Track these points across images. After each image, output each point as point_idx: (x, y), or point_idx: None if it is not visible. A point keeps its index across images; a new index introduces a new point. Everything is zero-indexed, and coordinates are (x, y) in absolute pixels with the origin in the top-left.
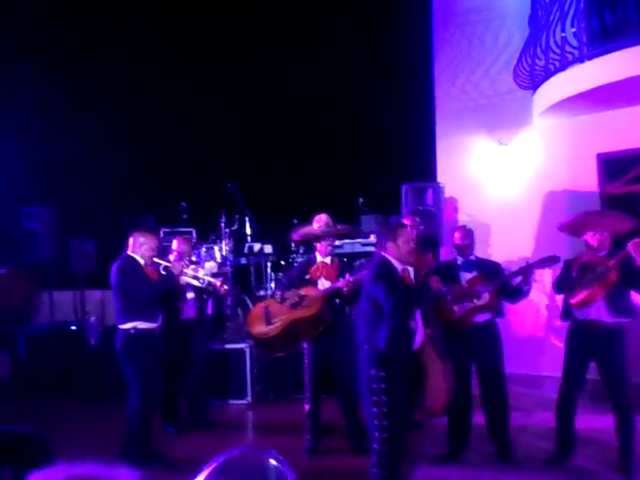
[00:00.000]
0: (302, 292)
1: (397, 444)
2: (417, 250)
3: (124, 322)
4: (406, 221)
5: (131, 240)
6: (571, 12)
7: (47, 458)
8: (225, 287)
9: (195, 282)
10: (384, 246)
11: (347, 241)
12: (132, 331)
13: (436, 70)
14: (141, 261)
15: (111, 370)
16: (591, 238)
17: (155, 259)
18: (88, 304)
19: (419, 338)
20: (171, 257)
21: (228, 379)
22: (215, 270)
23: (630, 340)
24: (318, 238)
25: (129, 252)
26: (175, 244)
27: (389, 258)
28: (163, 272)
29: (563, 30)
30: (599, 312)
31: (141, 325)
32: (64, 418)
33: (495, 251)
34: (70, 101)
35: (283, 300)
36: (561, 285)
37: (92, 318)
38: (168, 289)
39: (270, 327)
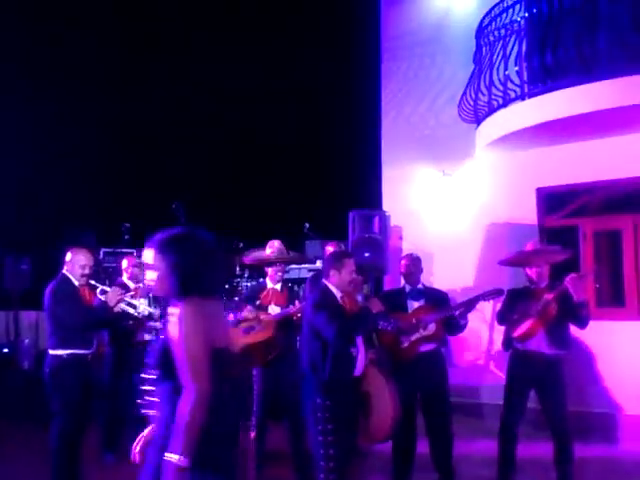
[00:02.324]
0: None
1: (343, 473)
2: (357, 279)
3: (55, 347)
4: (330, 247)
5: (68, 256)
6: (514, 51)
7: None
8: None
9: (132, 310)
10: (327, 274)
11: (294, 266)
12: (65, 356)
13: (383, 100)
14: (76, 282)
15: (44, 395)
16: (530, 271)
17: (92, 282)
18: (22, 325)
19: (361, 363)
20: (124, 276)
21: None
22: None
23: (568, 370)
24: (270, 263)
25: (64, 271)
26: (126, 263)
27: (330, 286)
28: (100, 297)
29: (506, 68)
30: (539, 344)
31: (75, 352)
32: None
33: (438, 280)
34: (7, 116)
35: (237, 324)
36: (503, 317)
37: (26, 340)
38: (103, 319)
39: None
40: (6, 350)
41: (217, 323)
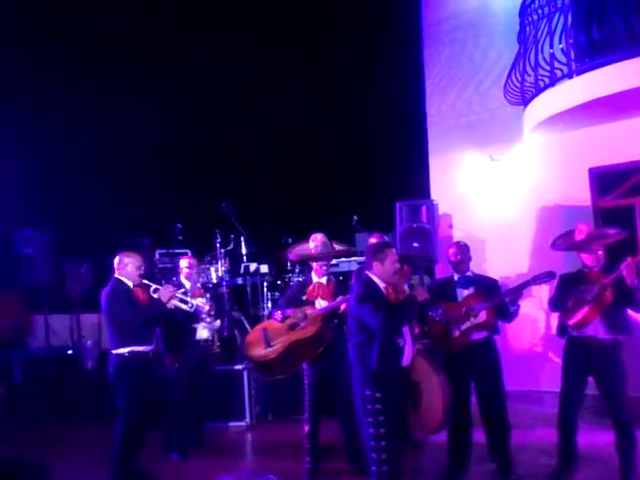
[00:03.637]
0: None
1: (395, 464)
2: (401, 269)
3: (117, 347)
4: (373, 238)
5: (116, 261)
6: (559, 29)
7: None
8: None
9: (184, 306)
10: (370, 265)
11: (343, 260)
12: (126, 354)
13: (427, 88)
14: (129, 283)
15: (108, 394)
16: (585, 257)
17: (145, 281)
18: (84, 327)
19: (408, 354)
20: (181, 276)
21: (226, 401)
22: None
23: (627, 355)
24: (314, 258)
25: (116, 275)
26: (184, 262)
27: (373, 277)
28: (154, 295)
29: (551, 46)
30: (596, 329)
31: (135, 349)
32: (62, 443)
33: (490, 267)
34: (64, 123)
35: (284, 320)
36: (556, 304)
37: (88, 341)
38: (158, 315)
39: (269, 349)
40: (70, 351)
41: None
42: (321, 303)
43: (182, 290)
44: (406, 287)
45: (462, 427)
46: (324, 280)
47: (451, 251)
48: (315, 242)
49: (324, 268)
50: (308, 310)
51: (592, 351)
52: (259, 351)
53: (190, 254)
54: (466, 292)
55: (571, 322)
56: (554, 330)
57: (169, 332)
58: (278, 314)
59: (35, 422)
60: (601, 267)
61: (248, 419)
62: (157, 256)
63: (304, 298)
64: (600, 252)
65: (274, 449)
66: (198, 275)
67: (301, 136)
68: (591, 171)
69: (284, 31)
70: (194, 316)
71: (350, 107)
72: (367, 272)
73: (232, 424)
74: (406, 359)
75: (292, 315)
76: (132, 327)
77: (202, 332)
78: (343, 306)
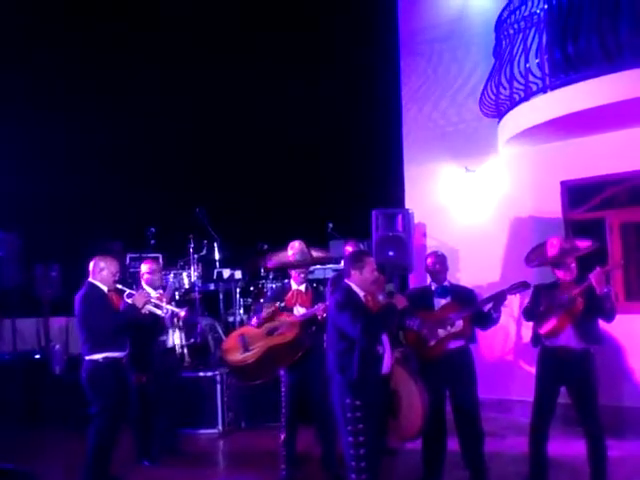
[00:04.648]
0: (278, 317)
1: (375, 472)
2: (380, 277)
3: (91, 352)
4: (349, 246)
5: (91, 265)
6: (534, 44)
7: None
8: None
9: (158, 311)
10: (349, 274)
11: (318, 267)
12: (100, 360)
13: (404, 98)
14: (104, 288)
15: (77, 398)
16: (558, 272)
17: (119, 286)
18: (52, 331)
19: (387, 362)
20: (143, 280)
21: (199, 408)
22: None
23: (599, 365)
24: (293, 266)
25: (90, 279)
26: (145, 267)
27: (352, 286)
28: (128, 300)
29: (527, 61)
30: (568, 339)
31: (109, 355)
32: (30, 449)
33: (464, 276)
34: (34, 125)
35: (260, 325)
36: (530, 313)
37: (57, 346)
38: (132, 320)
39: (247, 354)
40: (38, 356)
41: None
42: (299, 310)
43: (157, 295)
44: (380, 297)
45: (437, 435)
46: (303, 287)
47: (429, 260)
48: (293, 250)
49: (302, 276)
50: (286, 316)
51: (565, 361)
52: (237, 356)
53: (160, 259)
54: (443, 301)
55: (542, 331)
56: (525, 339)
57: (137, 339)
58: (254, 320)
59: (2, 428)
60: (573, 278)
61: (220, 426)
62: (128, 260)
63: (282, 305)
64: (572, 264)
65: (247, 457)
66: (160, 281)
67: (278, 143)
68: (563, 184)
69: (260, 42)
70: (163, 324)
71: (327, 115)
72: (346, 280)
73: (204, 431)
74: (385, 367)
75: (266, 311)
76: (107, 332)
77: (171, 340)
78: (320, 313)
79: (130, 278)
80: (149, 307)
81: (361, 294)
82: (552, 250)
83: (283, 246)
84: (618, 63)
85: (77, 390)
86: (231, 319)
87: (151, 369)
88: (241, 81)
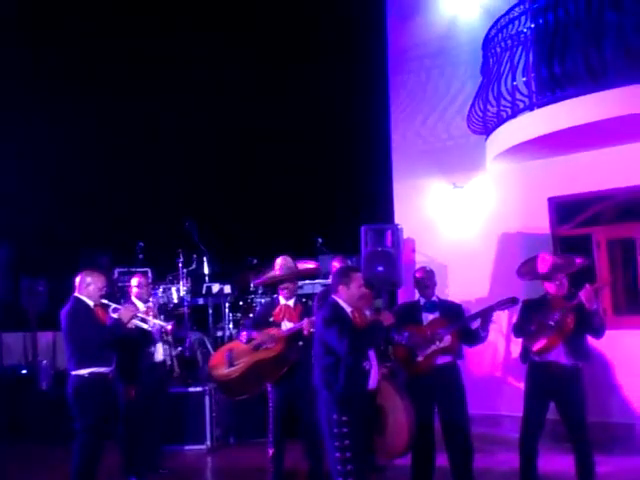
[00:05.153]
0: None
1: None
2: (367, 293)
3: (77, 368)
4: (336, 262)
5: (78, 280)
6: (521, 62)
7: None
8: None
9: (145, 326)
10: (336, 289)
11: (307, 282)
12: (86, 375)
13: (392, 114)
14: (90, 303)
15: (64, 414)
16: (549, 286)
17: (104, 301)
18: (40, 346)
19: (374, 378)
20: (132, 295)
21: (187, 423)
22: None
23: (587, 381)
24: (280, 282)
25: (76, 294)
26: (134, 281)
27: (339, 301)
28: (113, 315)
29: (514, 79)
30: (557, 355)
31: (95, 370)
32: (15, 464)
33: (452, 291)
34: (22, 135)
35: (249, 341)
36: (520, 329)
37: (44, 361)
38: (119, 335)
39: (232, 369)
40: (24, 371)
41: None
42: (287, 325)
43: (143, 309)
44: (367, 312)
45: (426, 451)
46: (291, 302)
47: (418, 275)
48: (277, 266)
49: (288, 291)
50: (273, 332)
51: (554, 376)
52: (222, 370)
53: (149, 273)
54: (431, 316)
55: (535, 348)
56: (514, 355)
57: (123, 354)
58: (244, 335)
59: None
60: (563, 294)
61: (209, 442)
62: (116, 274)
63: (271, 320)
64: (564, 280)
65: (235, 473)
66: (149, 294)
67: (268, 158)
68: (550, 200)
69: (250, 57)
70: (151, 337)
71: (317, 131)
72: (333, 296)
73: (192, 447)
74: (372, 382)
75: (258, 337)
76: (93, 347)
77: (159, 354)
78: (306, 328)
79: (119, 292)
80: (135, 322)
81: (348, 310)
82: (543, 265)
83: (272, 261)
84: (603, 82)
85: (64, 406)
86: (220, 334)
87: (139, 383)
88: (232, 95)
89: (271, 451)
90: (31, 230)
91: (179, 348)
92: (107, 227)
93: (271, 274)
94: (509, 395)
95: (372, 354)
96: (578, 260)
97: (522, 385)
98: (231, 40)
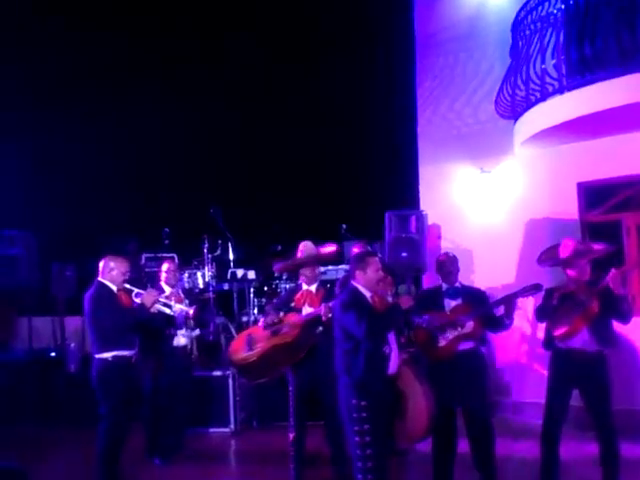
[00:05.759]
0: (283, 318)
1: (382, 473)
2: (385, 277)
3: (100, 351)
4: (356, 248)
5: (101, 264)
6: (551, 44)
7: None
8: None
9: (167, 310)
10: (353, 275)
11: (331, 267)
12: (110, 359)
13: (419, 98)
14: (113, 287)
15: (92, 397)
16: (571, 272)
17: (127, 285)
18: (68, 330)
19: (394, 362)
20: (162, 280)
21: (210, 406)
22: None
23: (613, 368)
24: (300, 266)
25: (100, 278)
26: (164, 267)
27: (359, 287)
28: (136, 299)
29: (543, 62)
30: (582, 341)
31: (118, 353)
32: (44, 446)
33: (477, 277)
34: (52, 125)
35: (268, 326)
36: (542, 314)
37: (72, 344)
38: (142, 319)
39: (251, 352)
40: (53, 354)
41: None
42: (308, 310)
43: (165, 294)
44: (389, 298)
45: (447, 437)
46: (313, 288)
47: (440, 260)
48: (300, 250)
49: (308, 276)
50: (290, 316)
51: (578, 363)
52: (241, 354)
53: (176, 259)
54: (454, 303)
55: (557, 333)
56: (538, 342)
57: (147, 338)
58: (261, 321)
59: (17, 425)
60: (588, 280)
61: (233, 425)
62: (144, 260)
63: (292, 305)
64: (586, 266)
65: (258, 455)
66: (176, 280)
67: (292, 144)
68: (579, 185)
69: (276, 41)
70: (174, 322)
71: (342, 116)
72: (352, 282)
73: (216, 430)
74: (392, 367)
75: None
76: (115, 331)
77: (180, 339)
78: (324, 314)
79: (145, 277)
80: (158, 306)
81: (367, 295)
82: (565, 251)
83: (296, 247)
84: (634, 64)
85: (91, 388)
86: (245, 319)
87: (163, 367)
88: (257, 81)
89: (292, 435)
90: (60, 216)
91: (198, 331)
92: (134, 214)
93: (291, 259)
94: (534, 382)
95: (392, 338)
96: (601, 247)
97: (547, 372)
98: (259, 25)
